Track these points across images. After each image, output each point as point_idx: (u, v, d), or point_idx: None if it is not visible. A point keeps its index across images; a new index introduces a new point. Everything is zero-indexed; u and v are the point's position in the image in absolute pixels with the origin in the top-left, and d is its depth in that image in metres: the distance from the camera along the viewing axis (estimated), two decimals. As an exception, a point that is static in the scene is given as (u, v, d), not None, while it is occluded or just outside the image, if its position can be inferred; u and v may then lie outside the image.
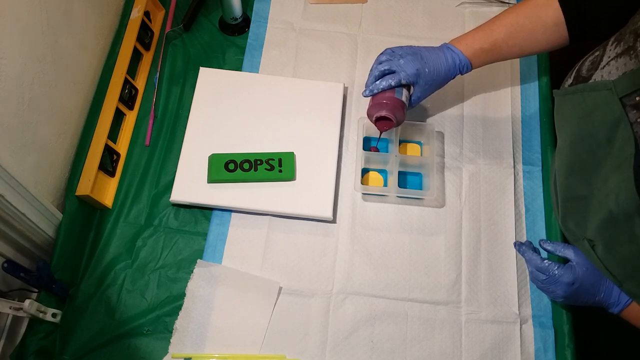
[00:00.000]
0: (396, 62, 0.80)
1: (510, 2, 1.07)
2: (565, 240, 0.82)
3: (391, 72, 0.81)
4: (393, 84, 0.80)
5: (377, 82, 0.81)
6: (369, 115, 0.84)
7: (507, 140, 0.94)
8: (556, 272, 0.73)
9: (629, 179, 0.58)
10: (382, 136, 0.87)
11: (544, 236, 0.87)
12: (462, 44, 0.82)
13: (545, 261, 0.75)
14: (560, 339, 0.81)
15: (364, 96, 0.83)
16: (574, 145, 0.70)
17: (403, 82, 0.80)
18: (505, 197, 0.90)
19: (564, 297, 0.74)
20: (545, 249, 0.80)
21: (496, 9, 1.06)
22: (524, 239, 0.87)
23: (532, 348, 0.80)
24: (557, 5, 0.76)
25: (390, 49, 0.83)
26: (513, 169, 0.92)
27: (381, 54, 0.83)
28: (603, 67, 0.63)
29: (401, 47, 0.83)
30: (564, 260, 0.76)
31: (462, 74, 0.84)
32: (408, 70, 0.79)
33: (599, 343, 0.96)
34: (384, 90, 0.81)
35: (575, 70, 0.70)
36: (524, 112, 0.97)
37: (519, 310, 0.82)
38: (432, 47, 0.83)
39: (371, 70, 0.83)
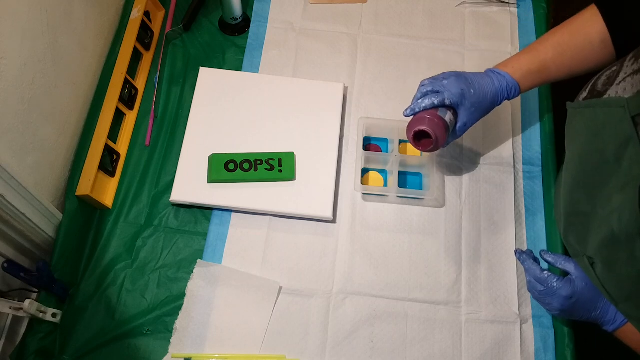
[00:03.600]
0: (439, 83, 0.76)
1: (510, 2, 1.07)
2: (565, 250, 0.82)
3: (434, 92, 0.76)
4: (436, 102, 0.75)
5: (419, 100, 0.76)
6: (408, 133, 0.76)
7: (507, 140, 0.94)
8: (555, 284, 0.72)
9: (633, 199, 0.56)
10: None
11: (544, 236, 0.87)
12: (509, 67, 0.79)
13: (545, 272, 0.74)
14: (560, 339, 0.81)
15: (405, 116, 0.77)
16: (582, 159, 0.68)
17: (447, 102, 0.75)
18: (505, 197, 0.90)
19: (560, 311, 0.73)
20: (545, 260, 0.78)
21: (496, 9, 1.06)
22: (524, 239, 0.87)
23: (532, 348, 0.80)
24: (602, 21, 0.73)
25: (432, 76, 0.79)
26: (513, 169, 0.92)
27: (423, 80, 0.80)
28: (619, 83, 0.61)
29: (444, 72, 0.79)
30: (564, 273, 0.75)
31: (509, 99, 0.80)
32: (452, 89, 0.75)
33: (599, 343, 0.96)
34: (426, 109, 0.75)
35: (590, 84, 0.68)
36: (524, 112, 0.97)
37: (519, 310, 0.82)
38: (477, 72, 0.80)
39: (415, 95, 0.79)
